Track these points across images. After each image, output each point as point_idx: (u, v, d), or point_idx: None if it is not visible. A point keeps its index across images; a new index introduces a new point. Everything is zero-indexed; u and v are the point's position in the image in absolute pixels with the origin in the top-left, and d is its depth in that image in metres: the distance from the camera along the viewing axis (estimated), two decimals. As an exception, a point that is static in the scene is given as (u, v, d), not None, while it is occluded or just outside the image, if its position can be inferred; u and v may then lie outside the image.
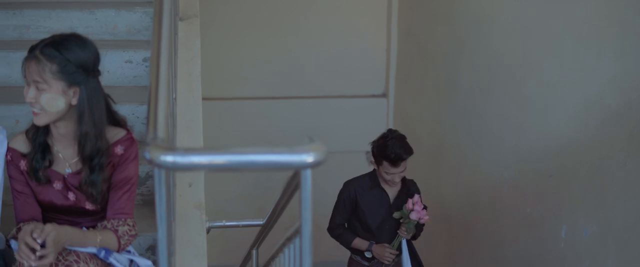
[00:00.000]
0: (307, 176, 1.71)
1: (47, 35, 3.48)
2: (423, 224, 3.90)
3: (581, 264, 3.63)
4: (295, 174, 1.88)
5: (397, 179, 3.82)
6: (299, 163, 1.64)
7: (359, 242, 3.93)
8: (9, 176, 2.24)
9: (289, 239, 2.22)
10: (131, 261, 2.25)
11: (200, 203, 2.59)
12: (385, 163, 3.76)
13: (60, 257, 2.05)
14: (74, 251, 2.09)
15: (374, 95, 6.48)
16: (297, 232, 2.11)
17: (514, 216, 4.26)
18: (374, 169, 3.90)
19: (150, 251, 2.60)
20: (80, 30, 3.22)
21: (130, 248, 2.31)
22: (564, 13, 3.76)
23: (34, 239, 1.99)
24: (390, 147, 3.73)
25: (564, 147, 3.77)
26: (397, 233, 3.89)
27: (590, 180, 3.56)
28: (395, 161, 3.73)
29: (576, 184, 3.67)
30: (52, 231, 2.01)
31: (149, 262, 2.27)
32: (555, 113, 3.84)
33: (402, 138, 3.82)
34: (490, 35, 4.58)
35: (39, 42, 2.14)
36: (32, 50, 2.13)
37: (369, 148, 3.90)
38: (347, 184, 3.97)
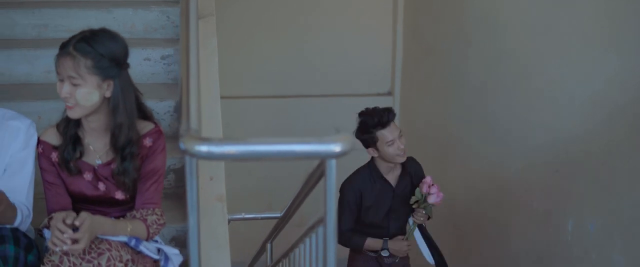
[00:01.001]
0: (332, 166, 1.79)
1: (65, 34, 3.55)
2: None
3: (588, 257, 3.68)
4: (320, 163, 1.94)
5: (403, 146, 3.56)
6: (327, 152, 1.72)
7: (372, 243, 3.71)
8: (40, 168, 2.31)
9: (312, 228, 2.28)
10: (159, 249, 2.32)
11: (221, 196, 2.67)
12: (381, 133, 3.53)
13: (93, 246, 2.12)
14: (106, 240, 2.15)
15: (379, 94, 6.50)
16: (320, 221, 2.18)
17: (521, 210, 4.31)
18: (370, 161, 3.69)
19: (174, 242, 2.68)
20: (98, 29, 3.30)
21: (157, 238, 2.38)
22: (570, 10, 3.82)
23: (67, 225, 2.06)
24: (370, 116, 3.54)
25: (570, 142, 3.83)
26: (407, 221, 3.67)
27: (596, 174, 3.62)
28: (387, 122, 3.51)
29: (582, 179, 3.72)
30: (87, 218, 2.08)
31: (176, 251, 2.35)
32: (562, 109, 3.89)
33: (384, 107, 3.64)
34: (496, 32, 4.64)
35: (70, 39, 2.19)
36: (64, 46, 2.18)
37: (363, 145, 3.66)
38: (349, 185, 3.70)
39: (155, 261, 2.31)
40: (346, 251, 3.93)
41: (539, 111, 4.13)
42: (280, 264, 3.18)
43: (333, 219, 1.86)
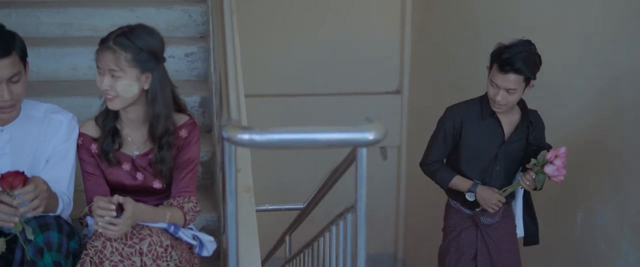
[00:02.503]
0: (363, 154, 1.88)
1: (90, 33, 3.66)
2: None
3: (597, 249, 3.75)
4: (350, 152, 2.04)
5: (500, 99, 3.06)
6: (361, 140, 1.81)
7: (460, 182, 3.22)
8: (80, 159, 2.40)
9: (340, 216, 2.37)
10: (194, 236, 2.42)
11: (249, 187, 2.75)
12: (494, 67, 3.06)
13: (134, 231, 2.22)
14: (147, 226, 2.25)
15: (388, 92, 6.58)
16: (349, 208, 2.28)
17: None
18: (484, 94, 3.20)
19: (204, 231, 2.77)
20: (122, 28, 3.39)
21: (191, 225, 2.48)
22: (579, 6, 3.90)
23: (112, 202, 2.16)
24: (509, 49, 3.04)
25: (579, 136, 3.89)
26: (510, 180, 3.22)
27: (605, 167, 3.68)
28: (504, 66, 3.01)
29: (592, 172, 3.78)
30: (130, 204, 2.19)
31: (211, 238, 2.45)
32: (571, 102, 3.94)
33: (532, 52, 3.07)
34: (505, 30, 4.70)
35: (109, 34, 2.29)
36: (104, 41, 2.27)
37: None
38: (451, 111, 3.22)
39: (191, 247, 2.41)
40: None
41: (548, 106, 4.17)
42: (302, 254, 3.27)
43: (364, 205, 1.94)
